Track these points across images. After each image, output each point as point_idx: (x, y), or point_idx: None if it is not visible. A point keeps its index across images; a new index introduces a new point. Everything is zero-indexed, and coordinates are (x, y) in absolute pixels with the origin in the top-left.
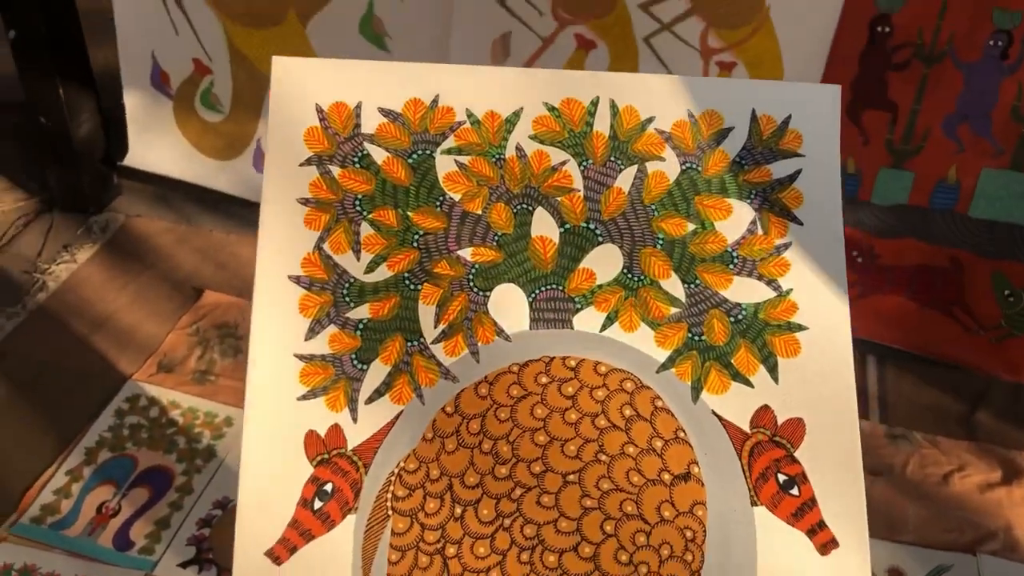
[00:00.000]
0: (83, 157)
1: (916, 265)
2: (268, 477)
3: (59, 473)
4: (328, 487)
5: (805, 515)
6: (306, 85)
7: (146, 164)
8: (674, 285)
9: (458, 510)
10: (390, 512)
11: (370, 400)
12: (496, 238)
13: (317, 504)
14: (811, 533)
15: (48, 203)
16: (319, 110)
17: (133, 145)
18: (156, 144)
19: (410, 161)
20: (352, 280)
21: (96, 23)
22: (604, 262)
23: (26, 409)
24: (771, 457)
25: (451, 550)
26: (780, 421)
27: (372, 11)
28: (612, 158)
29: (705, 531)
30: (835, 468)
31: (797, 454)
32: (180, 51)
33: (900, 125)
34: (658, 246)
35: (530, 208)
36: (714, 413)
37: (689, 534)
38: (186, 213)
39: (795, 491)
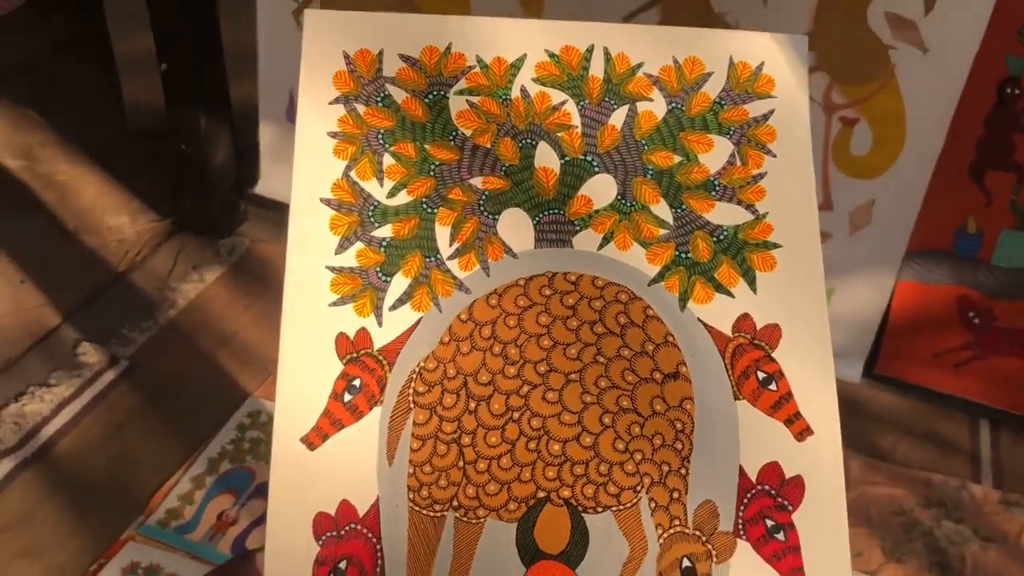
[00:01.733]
0: (216, 184)
1: None
2: (303, 373)
3: (184, 480)
4: (357, 382)
5: (782, 407)
6: (335, 35)
7: (274, 193)
8: (663, 210)
9: (472, 404)
10: (412, 405)
11: (393, 307)
12: (503, 168)
13: (347, 397)
14: (788, 423)
15: (179, 225)
16: (346, 56)
17: (265, 174)
18: (286, 174)
19: (426, 101)
20: (376, 203)
21: (239, 59)
22: (600, 189)
23: (156, 418)
24: (751, 357)
25: (466, 439)
26: (759, 326)
27: None
28: (606, 99)
29: (693, 422)
30: (809, 366)
31: (775, 355)
32: None
33: None
34: (648, 175)
35: (533, 142)
36: (700, 320)
37: (679, 425)
38: None
39: (773, 386)
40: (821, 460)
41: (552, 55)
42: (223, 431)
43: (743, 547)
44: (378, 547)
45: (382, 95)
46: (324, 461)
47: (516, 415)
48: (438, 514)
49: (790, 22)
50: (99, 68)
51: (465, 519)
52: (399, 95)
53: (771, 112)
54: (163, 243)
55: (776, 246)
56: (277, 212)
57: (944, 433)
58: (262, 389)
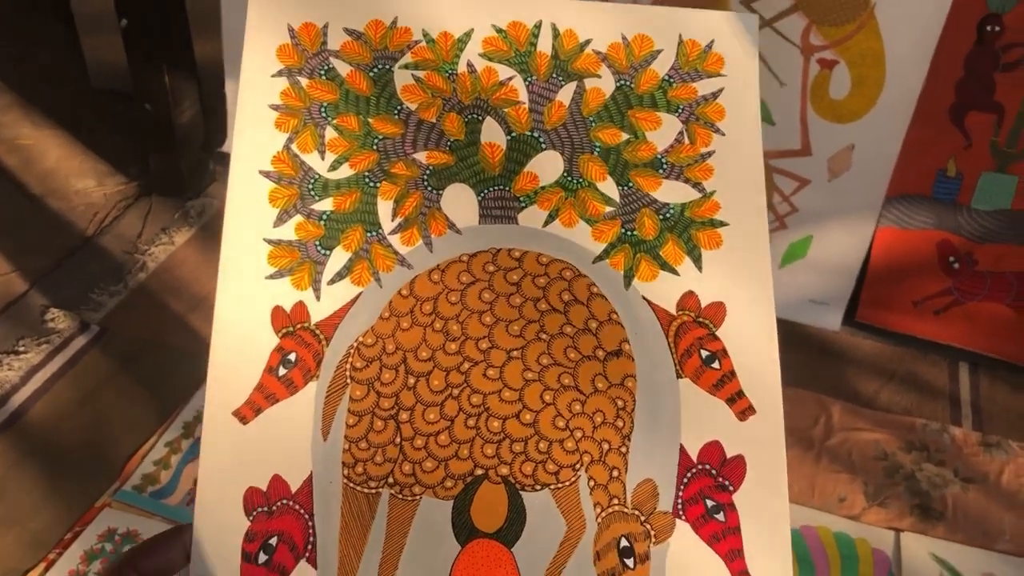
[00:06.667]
0: (183, 144)
1: (1017, 272)
2: (237, 346)
3: (159, 445)
4: (292, 356)
5: (725, 386)
6: (279, 8)
7: None
8: (609, 187)
9: (411, 380)
10: (349, 380)
11: (332, 282)
12: (448, 143)
13: (281, 371)
14: (730, 401)
15: (148, 188)
16: (290, 29)
17: (232, 132)
18: None
19: (371, 74)
20: (317, 176)
21: (202, 15)
22: (547, 166)
23: (128, 382)
24: (695, 335)
25: (404, 415)
26: (703, 304)
27: None
28: (554, 75)
29: (635, 401)
30: (753, 345)
31: (718, 333)
32: None
33: (1005, 128)
34: (595, 153)
35: (480, 117)
36: (644, 298)
37: (620, 403)
38: None
39: (716, 365)
40: (763, 440)
41: (499, 30)
42: (197, 394)
43: (682, 527)
44: (310, 524)
45: (326, 68)
46: (256, 435)
47: (456, 392)
48: (373, 491)
49: None
50: (60, 26)
51: (400, 496)
52: (343, 68)
53: (720, 90)
54: (131, 205)
55: (723, 224)
56: None
57: (925, 378)
58: None
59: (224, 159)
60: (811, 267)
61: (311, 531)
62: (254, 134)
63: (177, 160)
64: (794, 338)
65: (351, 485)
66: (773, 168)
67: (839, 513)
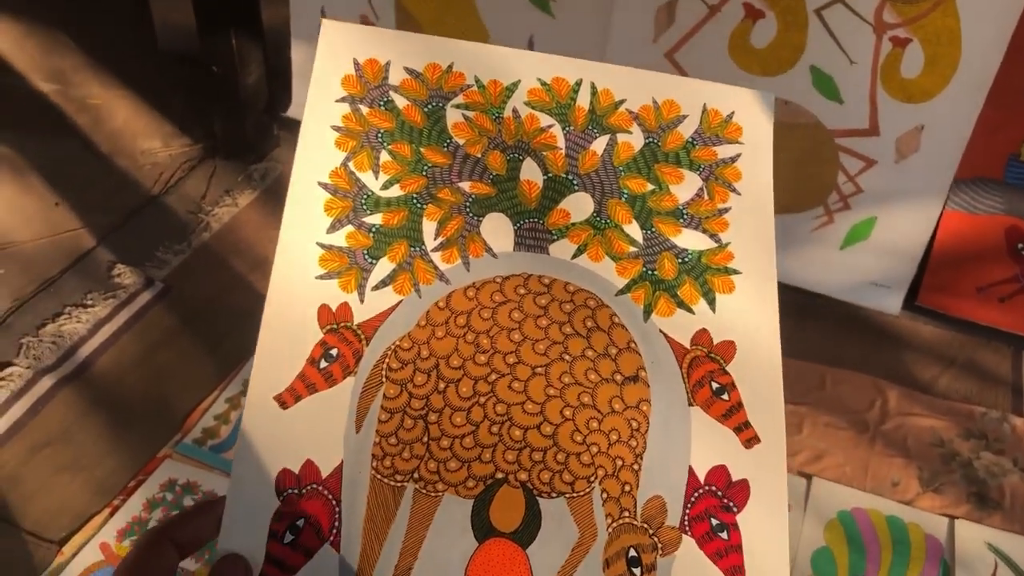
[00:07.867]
0: (248, 107)
1: None
2: (284, 337)
3: (219, 400)
4: (334, 351)
5: (733, 415)
6: (348, 43)
7: None
8: (634, 230)
9: (441, 385)
10: (384, 379)
11: (376, 288)
12: (491, 176)
13: (323, 364)
14: (737, 430)
15: (212, 150)
16: (356, 63)
17: (296, 97)
18: None
19: (425, 109)
20: (370, 193)
21: None
22: (578, 206)
23: (191, 339)
24: (706, 369)
25: (433, 417)
26: (715, 342)
27: None
28: (589, 127)
29: (648, 423)
30: (759, 381)
31: (728, 368)
32: (349, 7)
33: None
34: (623, 199)
35: (520, 157)
36: (661, 331)
37: (635, 424)
38: None
39: (725, 396)
40: (767, 467)
41: (544, 83)
42: None
43: (688, 542)
44: (337, 510)
45: (385, 100)
46: (294, 421)
47: (482, 400)
48: (399, 484)
49: None
50: None
51: (424, 491)
52: (401, 102)
53: (738, 156)
54: (196, 167)
55: (736, 272)
56: None
57: (986, 365)
58: None
59: (288, 123)
60: (873, 249)
61: (337, 517)
62: (316, 149)
63: (242, 123)
64: (853, 321)
65: (379, 477)
66: (839, 147)
67: (892, 497)
